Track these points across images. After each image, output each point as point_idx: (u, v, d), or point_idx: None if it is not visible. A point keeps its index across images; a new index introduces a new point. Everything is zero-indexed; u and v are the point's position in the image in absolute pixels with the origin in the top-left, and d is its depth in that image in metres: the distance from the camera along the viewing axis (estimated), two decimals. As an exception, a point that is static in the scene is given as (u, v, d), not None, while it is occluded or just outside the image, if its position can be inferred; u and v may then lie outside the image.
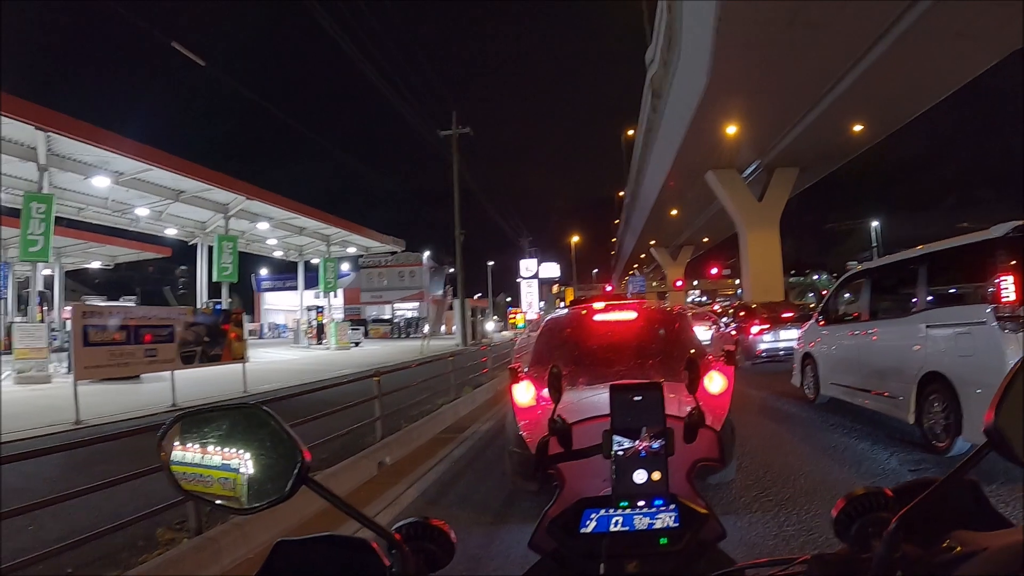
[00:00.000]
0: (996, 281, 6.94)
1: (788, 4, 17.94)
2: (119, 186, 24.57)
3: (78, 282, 57.27)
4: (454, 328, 45.05)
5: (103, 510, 5.38)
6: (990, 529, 0.96)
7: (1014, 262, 6.91)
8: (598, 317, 7.34)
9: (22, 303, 36.77)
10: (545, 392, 6.15)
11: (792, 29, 19.23)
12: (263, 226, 33.72)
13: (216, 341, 15.66)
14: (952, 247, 8.08)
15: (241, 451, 1.12)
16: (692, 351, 6.74)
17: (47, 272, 32.64)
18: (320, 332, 42.29)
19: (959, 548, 0.91)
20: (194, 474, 1.14)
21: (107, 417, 12.60)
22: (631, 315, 7.28)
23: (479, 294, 77.83)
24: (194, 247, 33.97)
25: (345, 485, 7.21)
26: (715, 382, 6.18)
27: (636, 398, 1.40)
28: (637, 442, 1.36)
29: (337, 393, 9.48)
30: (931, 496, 0.96)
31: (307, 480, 1.08)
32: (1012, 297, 6.80)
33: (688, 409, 1.55)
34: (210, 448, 1.13)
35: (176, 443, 1.15)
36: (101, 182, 23.70)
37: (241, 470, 1.12)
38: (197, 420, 1.17)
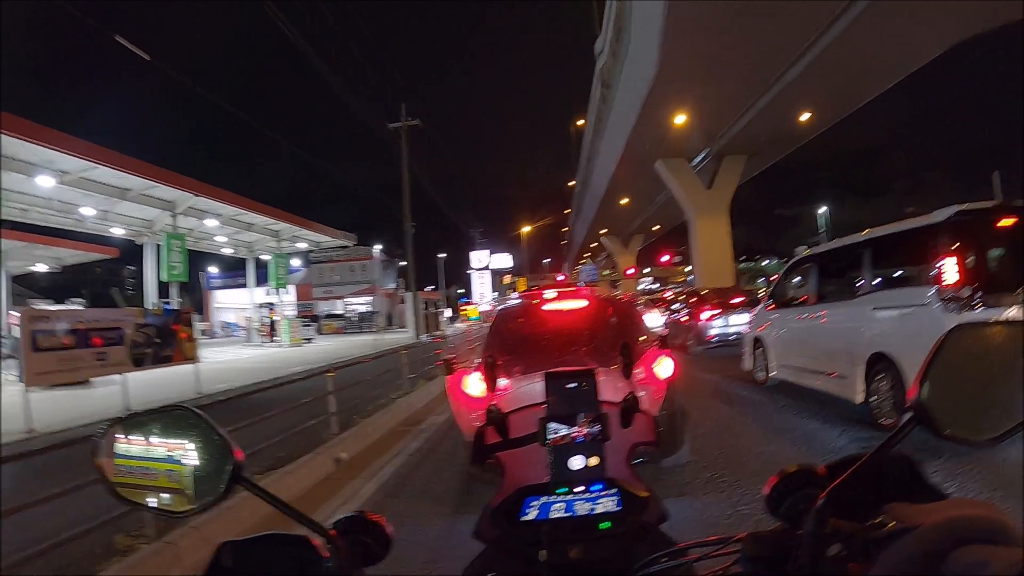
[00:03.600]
0: (939, 264, 7.15)
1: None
2: (64, 186, 24.01)
3: (25, 286, 55.94)
4: (407, 322, 44.81)
5: (61, 519, 5.29)
6: (925, 502, 0.97)
7: (956, 245, 7.13)
8: (547, 307, 7.39)
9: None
10: (499, 382, 6.20)
11: (741, 18, 19.39)
12: (211, 223, 33.19)
13: (167, 342, 15.39)
14: (896, 231, 8.28)
15: (174, 454, 1.13)
16: (641, 338, 6.84)
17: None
18: (272, 329, 41.80)
19: (893, 523, 0.92)
20: (140, 467, 1.14)
21: (60, 424, 12.33)
22: (580, 304, 7.36)
23: (431, 286, 77.53)
24: (142, 247, 33.32)
25: (303, 482, 7.18)
26: (655, 365, 6.26)
27: (571, 385, 1.42)
28: (573, 428, 1.39)
29: (292, 390, 9.40)
30: (859, 471, 0.99)
31: (241, 480, 1.09)
32: (954, 279, 7.02)
33: (624, 394, 1.57)
34: (140, 454, 1.14)
35: (102, 452, 1.15)
36: (45, 182, 23.15)
37: (185, 462, 1.12)
38: (131, 424, 1.17)
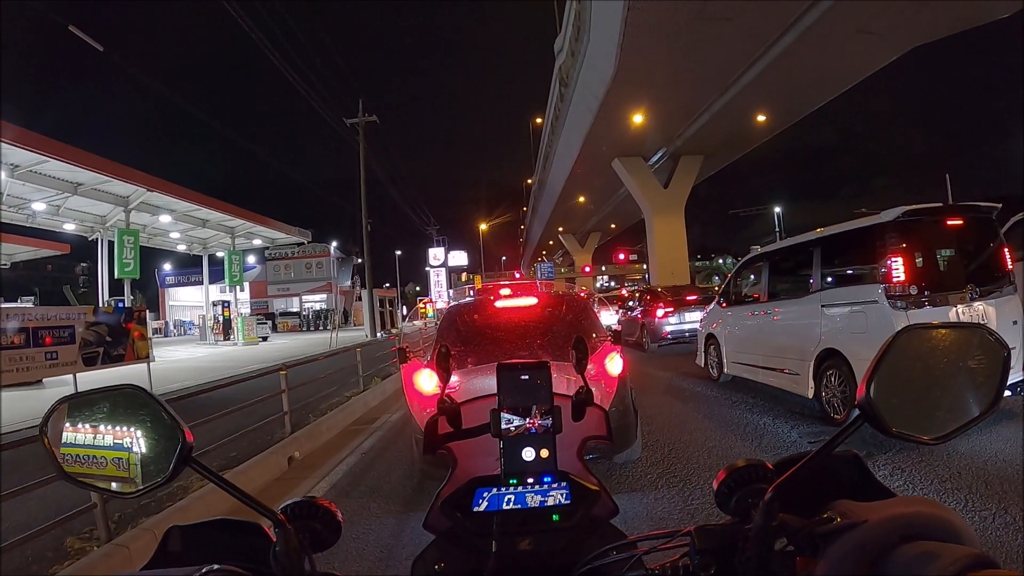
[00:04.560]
0: (887, 262, 7.29)
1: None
2: (14, 180, 23.53)
3: (-28, 285, 54.71)
4: (364, 319, 44.55)
5: (9, 521, 5.19)
6: (873, 499, 0.99)
7: (903, 244, 7.29)
8: (500, 303, 7.39)
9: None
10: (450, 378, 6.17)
11: (699, 22, 19.68)
12: (165, 219, 32.69)
13: (119, 341, 15.14)
14: (846, 230, 8.40)
15: (122, 432, 1.11)
16: (595, 335, 6.86)
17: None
18: (227, 328, 41.37)
19: (839, 519, 0.94)
20: (87, 456, 1.12)
21: (8, 425, 12.09)
22: (532, 300, 7.37)
23: (387, 284, 77.25)
24: (94, 243, 32.73)
25: (255, 481, 7.11)
26: (607, 360, 6.29)
27: (523, 377, 1.42)
28: (526, 420, 1.39)
29: (244, 389, 9.30)
30: (806, 467, 1.00)
31: (190, 461, 1.08)
32: (901, 277, 7.18)
33: (576, 388, 1.58)
34: (101, 428, 1.12)
35: (67, 424, 1.13)
36: (-6, 176, 22.70)
37: (134, 449, 1.10)
38: (80, 403, 1.15)
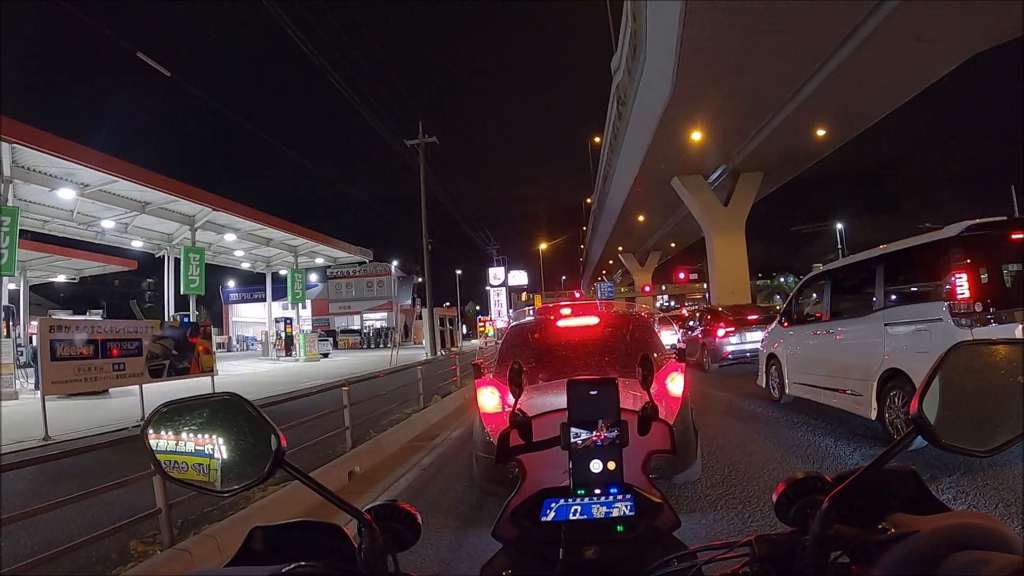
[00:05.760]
0: (951, 279, 7.13)
1: (752, 5, 18.09)
2: (85, 198, 24.23)
3: (44, 296, 56.44)
4: (423, 339, 44.78)
5: (76, 524, 5.35)
6: (927, 514, 1.01)
7: (968, 260, 7.10)
8: (562, 322, 7.41)
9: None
10: (510, 396, 6.23)
11: (755, 34, 19.46)
12: (230, 237, 33.39)
13: (184, 354, 15.48)
14: (909, 247, 8.25)
15: (218, 438, 1.19)
16: (655, 354, 6.83)
17: (12, 286, 32.08)
18: (289, 344, 41.95)
19: (893, 529, 0.97)
20: (169, 461, 1.20)
21: (76, 432, 12.43)
22: (594, 320, 7.37)
23: (447, 303, 77.71)
24: (161, 259, 33.52)
25: (315, 495, 7.20)
26: (669, 379, 6.29)
27: (592, 392, 1.47)
28: (593, 433, 1.43)
29: (306, 404, 9.43)
30: (862, 479, 1.03)
31: (283, 463, 1.14)
32: (966, 294, 7.00)
33: (643, 403, 1.61)
34: (184, 435, 1.20)
35: (150, 432, 1.22)
36: (66, 194, 23.38)
37: (215, 455, 1.18)
38: (179, 409, 1.23)
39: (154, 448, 1.21)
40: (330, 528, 1.21)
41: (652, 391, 1.63)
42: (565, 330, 7.33)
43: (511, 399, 5.16)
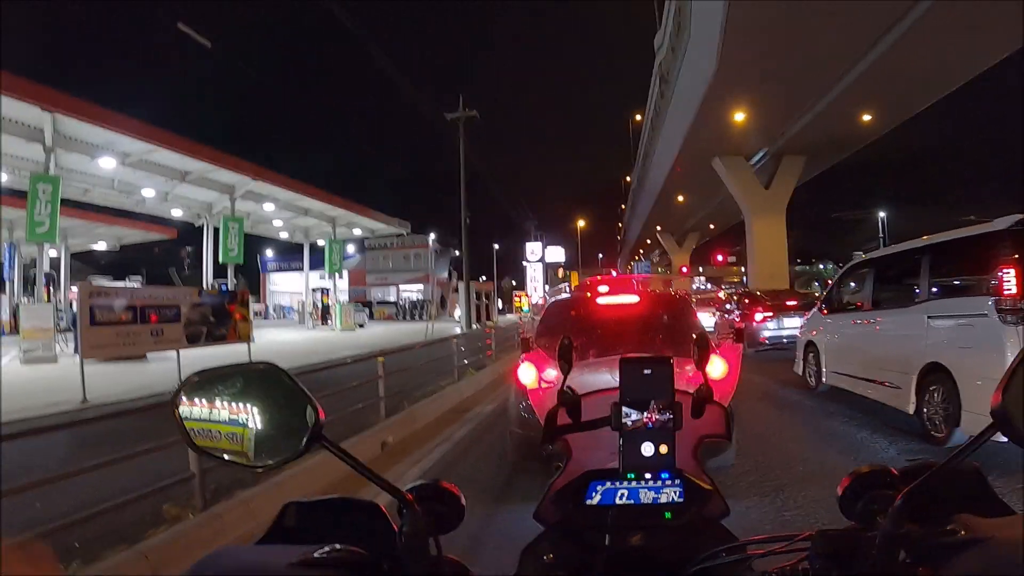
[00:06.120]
0: (998, 273, 6.96)
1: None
2: (125, 167, 24.55)
3: (84, 263, 57.25)
4: (457, 313, 44.84)
5: (110, 487, 5.43)
6: (992, 515, 0.99)
7: (1016, 255, 6.93)
8: (602, 299, 7.36)
9: (29, 284, 36.69)
10: (549, 371, 6.23)
11: (803, 14, 19.12)
12: (269, 207, 33.68)
13: (222, 321, 15.72)
14: (955, 239, 8.08)
15: (253, 408, 1.13)
16: (694, 335, 6.77)
17: (53, 253, 32.63)
18: (325, 313, 42.30)
19: (963, 532, 0.94)
20: (203, 429, 1.13)
21: (113, 396, 12.63)
22: (634, 298, 7.32)
23: (483, 277, 77.82)
24: (200, 228, 33.90)
25: (346, 464, 7.27)
26: (723, 361, 6.24)
27: (646, 371, 1.43)
28: (645, 415, 1.39)
29: (341, 373, 9.50)
30: (936, 475, 1.00)
31: (321, 438, 1.08)
32: (1013, 290, 6.82)
33: (697, 384, 1.56)
34: (217, 403, 1.13)
35: (183, 399, 1.14)
36: (107, 163, 23.71)
37: (249, 425, 1.12)
38: (212, 377, 1.16)
39: (186, 416, 1.13)
40: (367, 506, 1.17)
41: (706, 372, 1.58)
42: (605, 307, 7.30)
43: (548, 375, 5.11)
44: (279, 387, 1.14)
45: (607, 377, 4.08)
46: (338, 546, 0.99)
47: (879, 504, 1.03)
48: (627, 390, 1.41)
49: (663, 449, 1.38)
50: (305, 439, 1.08)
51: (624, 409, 1.39)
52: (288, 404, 1.12)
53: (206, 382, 1.16)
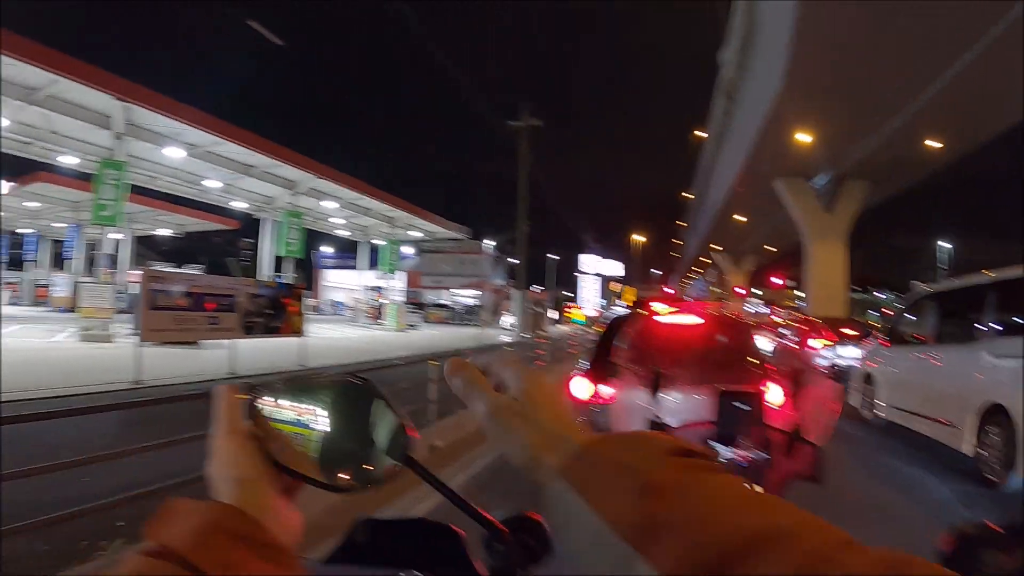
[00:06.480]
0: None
1: (872, 5, 17.49)
2: (192, 158, 25.09)
3: (147, 248, 58.60)
4: (508, 320, 44.73)
5: (158, 469, 5.49)
6: None
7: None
8: (665, 320, 7.24)
9: (91, 265, 37.56)
10: (604, 389, 6.19)
11: (875, 35, 18.79)
12: (330, 205, 34.11)
13: (277, 314, 16.00)
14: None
15: (335, 423, 0.93)
16: (762, 362, 6.65)
17: (117, 236, 33.43)
18: (379, 312, 42.61)
19: None
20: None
21: (165, 379, 12.90)
22: (698, 319, 7.19)
23: (539, 287, 77.72)
24: (260, 221, 34.48)
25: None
26: (820, 399, 6.10)
27: (736, 404, 1.36)
28: (740, 453, 1.32)
29: (392, 374, 9.50)
30: None
31: (411, 462, 0.93)
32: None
33: (789, 421, 1.50)
34: (296, 409, 0.93)
35: (279, 403, 0.99)
36: (174, 153, 24.26)
37: (314, 428, 0.93)
38: (294, 389, 0.95)
39: (264, 431, 1.02)
40: (446, 531, 1.11)
41: (798, 409, 1.53)
42: (667, 327, 7.16)
43: (604, 391, 5.06)
44: (369, 405, 0.97)
45: (669, 404, 4.02)
46: (416, 573, 0.96)
47: (983, 560, 0.99)
48: (722, 425, 1.35)
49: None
50: (394, 463, 0.93)
51: (717, 445, 1.34)
52: (379, 424, 0.96)
53: (286, 391, 0.95)
